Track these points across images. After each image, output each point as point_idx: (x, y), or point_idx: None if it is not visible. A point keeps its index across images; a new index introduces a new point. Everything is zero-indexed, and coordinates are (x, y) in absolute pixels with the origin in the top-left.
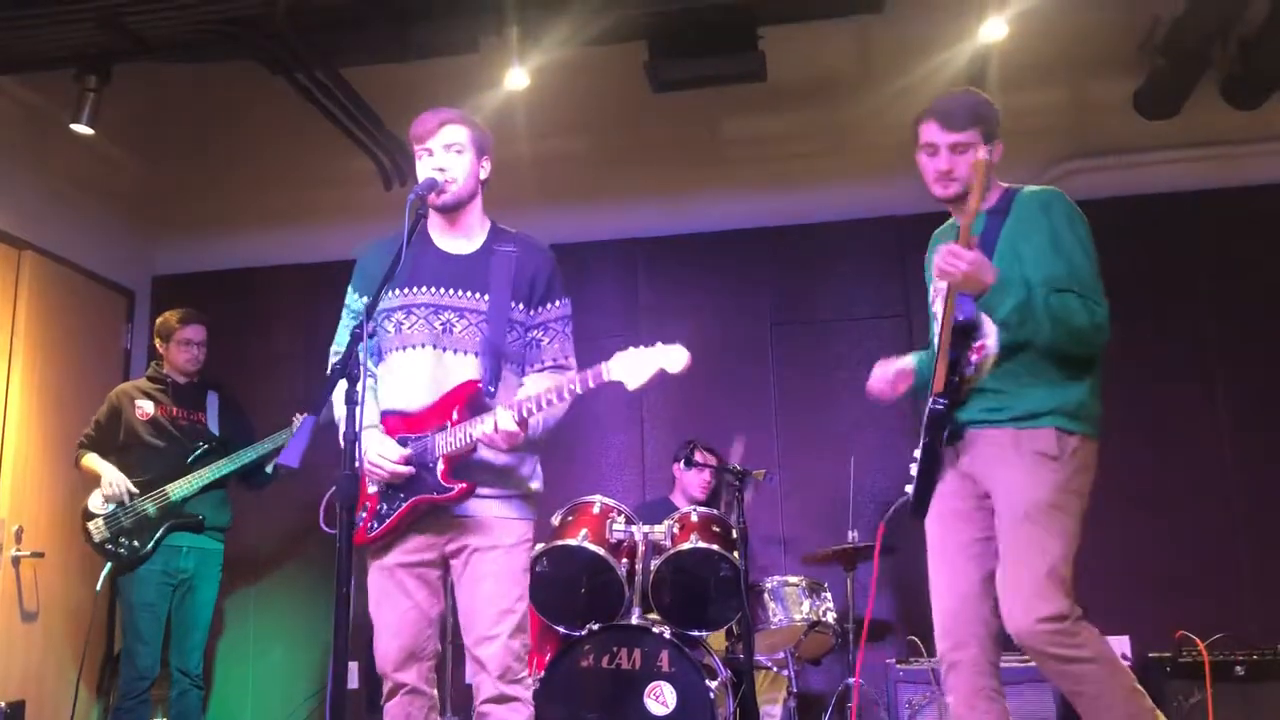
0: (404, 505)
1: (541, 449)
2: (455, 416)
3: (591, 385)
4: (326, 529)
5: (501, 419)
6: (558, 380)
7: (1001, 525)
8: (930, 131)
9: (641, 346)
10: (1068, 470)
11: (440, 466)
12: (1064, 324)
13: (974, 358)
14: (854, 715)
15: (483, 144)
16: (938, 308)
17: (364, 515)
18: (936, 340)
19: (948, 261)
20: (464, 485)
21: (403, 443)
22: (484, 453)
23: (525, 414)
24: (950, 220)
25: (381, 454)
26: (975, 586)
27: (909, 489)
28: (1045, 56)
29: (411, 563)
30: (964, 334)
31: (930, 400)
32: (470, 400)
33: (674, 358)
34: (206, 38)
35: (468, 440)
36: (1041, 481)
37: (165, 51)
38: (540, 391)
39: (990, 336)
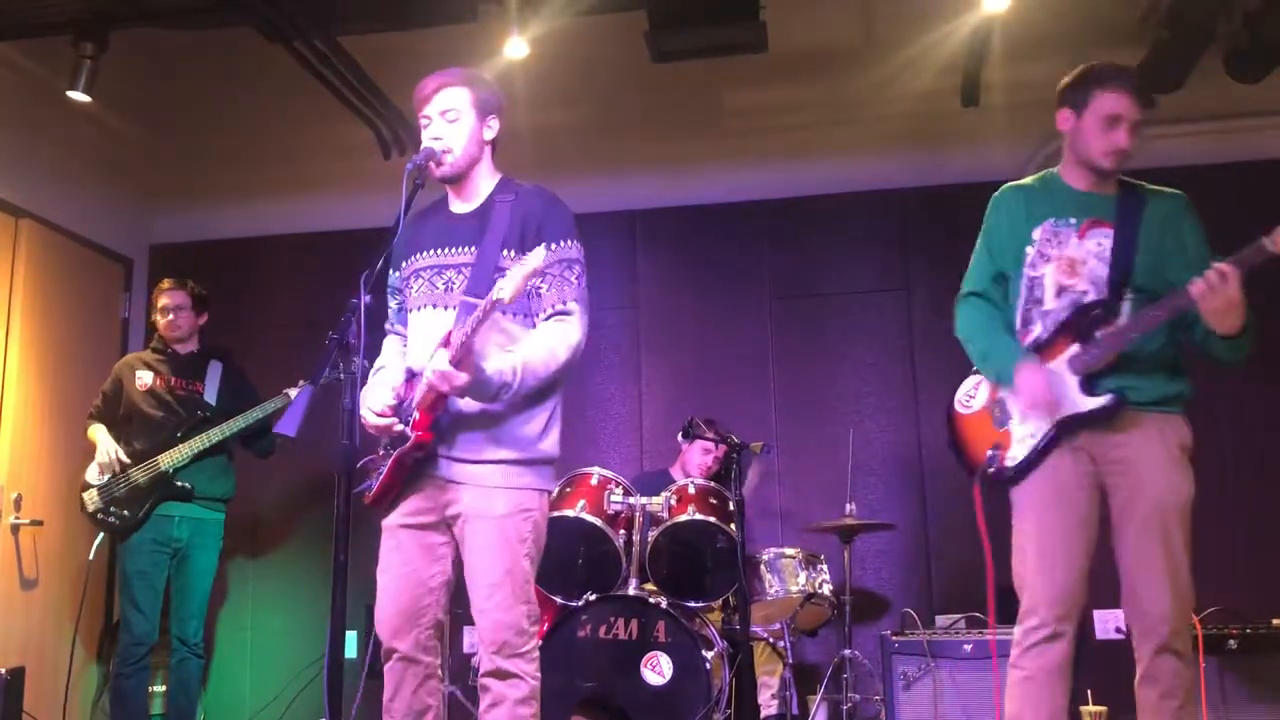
0: (389, 462)
1: (525, 404)
2: None
3: (490, 307)
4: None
5: (436, 359)
6: (564, 326)
7: (1148, 519)
8: (1121, 103)
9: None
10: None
11: (415, 417)
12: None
13: (1118, 339)
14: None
15: (486, 104)
16: (1045, 271)
17: (373, 476)
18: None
19: (1217, 284)
20: (420, 435)
21: (401, 402)
22: (460, 405)
23: (454, 352)
24: (1051, 176)
25: (369, 406)
26: (1084, 563)
27: (1008, 458)
28: (1047, 28)
29: (412, 525)
30: (1086, 317)
31: (1078, 383)
32: None
33: (532, 259)
34: (204, 4)
35: (426, 389)
36: (1189, 480)
37: (163, 18)
38: (461, 326)
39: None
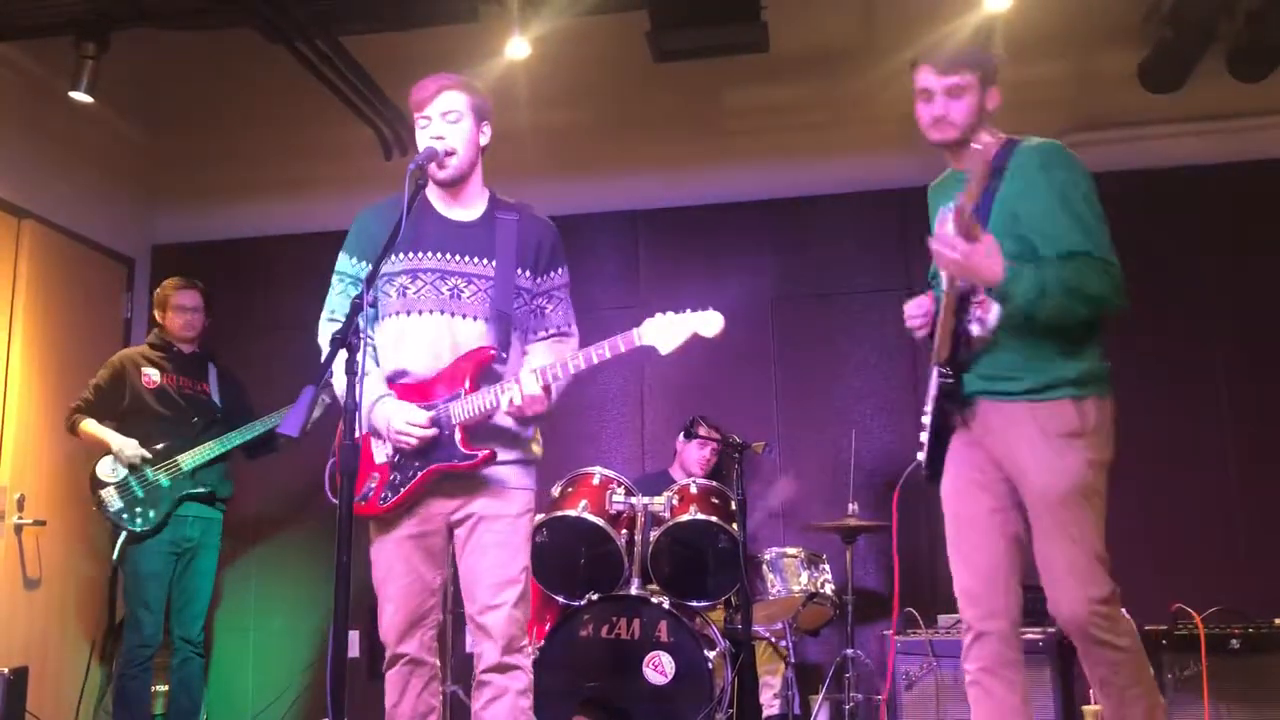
0: (420, 474)
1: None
2: (468, 385)
3: (623, 350)
4: (332, 498)
5: (527, 385)
6: (564, 347)
7: (1036, 510)
8: (924, 77)
9: (671, 312)
10: (1093, 443)
11: (458, 435)
12: (1081, 294)
13: (974, 326)
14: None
15: (482, 109)
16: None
17: (374, 485)
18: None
19: (943, 250)
20: (487, 452)
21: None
22: (497, 419)
23: (550, 379)
24: (949, 172)
25: (410, 421)
26: (1001, 556)
27: (920, 456)
28: (1050, 28)
29: (418, 534)
30: (964, 300)
31: (935, 371)
32: (482, 368)
33: (710, 322)
34: (205, 4)
35: (488, 408)
36: (1072, 465)
37: (164, 18)
38: (566, 358)
39: (992, 302)
